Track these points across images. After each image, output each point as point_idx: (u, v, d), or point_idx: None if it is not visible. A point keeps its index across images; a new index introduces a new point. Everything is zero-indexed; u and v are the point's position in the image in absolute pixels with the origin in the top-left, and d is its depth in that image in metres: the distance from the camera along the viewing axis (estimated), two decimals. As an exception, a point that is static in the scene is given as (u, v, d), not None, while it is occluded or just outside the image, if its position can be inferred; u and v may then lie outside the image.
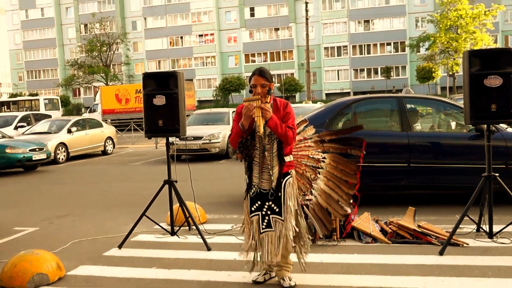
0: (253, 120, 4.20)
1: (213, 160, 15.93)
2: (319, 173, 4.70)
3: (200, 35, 62.18)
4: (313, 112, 7.98)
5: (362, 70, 58.95)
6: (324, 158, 4.79)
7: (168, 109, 5.75)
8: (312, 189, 4.70)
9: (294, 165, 4.39)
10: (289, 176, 4.30)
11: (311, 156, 4.80)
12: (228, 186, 10.37)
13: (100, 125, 19.55)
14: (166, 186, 6.10)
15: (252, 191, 4.32)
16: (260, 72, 4.22)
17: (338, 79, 59.76)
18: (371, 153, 7.15)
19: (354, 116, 7.80)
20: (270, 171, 4.23)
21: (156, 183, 10.47)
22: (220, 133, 16.16)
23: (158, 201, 6.94)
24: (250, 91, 4.25)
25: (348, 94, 57.55)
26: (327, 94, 59.05)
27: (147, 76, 5.94)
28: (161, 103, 5.75)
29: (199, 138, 16.00)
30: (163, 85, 5.86)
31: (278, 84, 55.35)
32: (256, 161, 4.26)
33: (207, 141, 15.99)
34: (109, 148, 19.74)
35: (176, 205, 6.71)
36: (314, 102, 37.34)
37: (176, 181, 6.10)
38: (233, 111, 17.94)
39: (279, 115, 4.21)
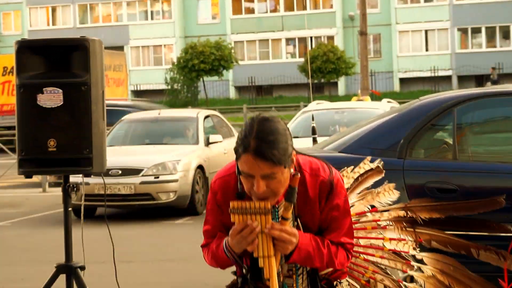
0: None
1: (164, 217, 13.26)
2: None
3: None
4: (374, 122, 6.98)
5: (476, 30, 51.90)
6: (422, 261, 3.94)
7: (70, 117, 5.21)
8: None
9: (346, 270, 3.56)
10: None
11: (392, 251, 3.94)
12: (194, 275, 8.81)
13: None
14: (62, 277, 5.28)
15: None
16: (258, 147, 3.09)
17: (427, 50, 52.45)
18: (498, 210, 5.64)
19: (458, 134, 6.80)
20: None
21: (42, 269, 8.55)
22: (180, 163, 13.25)
23: None
24: (239, 197, 3.21)
25: (447, 81, 52.48)
26: (402, 81, 52.59)
27: (26, 47, 5.36)
28: (55, 104, 5.21)
29: (136, 172, 13.11)
30: (59, 66, 5.30)
31: (301, 60, 49.27)
32: None
33: (152, 179, 13.11)
34: None
35: None
36: (376, 98, 29.40)
37: (83, 267, 5.29)
38: (206, 136, 14.79)
39: (314, 216, 3.28)
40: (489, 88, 8.23)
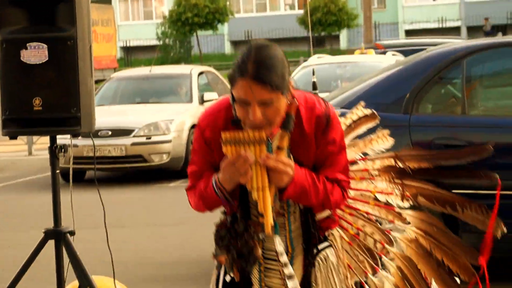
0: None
1: (157, 180, 13.32)
2: (389, 258, 3.92)
3: None
4: (378, 76, 7.07)
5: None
6: (407, 221, 3.98)
7: (56, 74, 5.12)
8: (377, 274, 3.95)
9: (337, 219, 3.64)
10: (326, 245, 3.50)
11: (385, 200, 3.99)
12: (189, 240, 9.00)
13: None
14: (50, 243, 5.22)
15: None
16: (257, 71, 3.13)
17: None
18: (509, 167, 6.36)
19: (468, 87, 6.86)
20: (283, 270, 3.39)
21: (30, 235, 8.89)
22: (173, 122, 13.29)
23: (35, 274, 6.46)
24: (235, 123, 3.24)
25: (455, 32, 52.19)
26: (408, 33, 53.60)
27: (8, 0, 5.24)
28: (40, 60, 5.13)
29: (126, 132, 13.16)
30: (43, 19, 5.19)
31: (300, 12, 49.28)
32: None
33: (144, 139, 13.17)
34: None
35: (72, 284, 5.50)
36: (380, 52, 31.84)
37: (72, 232, 5.23)
38: (200, 94, 14.85)
39: (310, 152, 3.33)
40: (500, 38, 8.37)
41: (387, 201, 4.07)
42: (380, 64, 12.45)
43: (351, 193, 4.07)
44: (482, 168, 4.22)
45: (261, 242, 3.43)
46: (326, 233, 3.51)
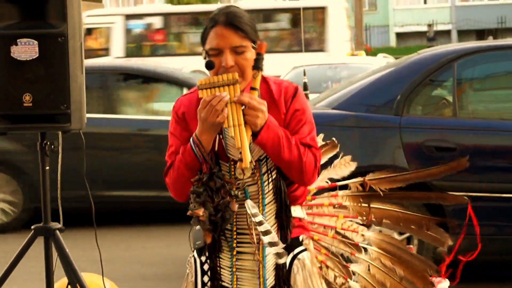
0: (219, 138, 3.43)
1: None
2: (353, 277, 4.03)
3: None
4: (368, 78, 7.07)
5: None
6: (369, 243, 4.10)
7: (46, 70, 5.08)
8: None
9: (309, 230, 3.71)
10: (301, 249, 3.50)
11: (341, 231, 4.06)
12: (178, 239, 8.81)
13: None
14: (39, 240, 5.20)
15: None
16: (228, 18, 3.34)
17: (425, 3, 53.07)
18: (497, 170, 6.61)
19: (458, 90, 6.87)
20: (259, 252, 3.41)
21: (19, 233, 9.10)
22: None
23: (24, 271, 6.25)
24: (208, 65, 3.32)
25: (446, 36, 52.18)
26: (399, 36, 54.36)
27: None
28: (30, 56, 5.10)
29: None
30: (33, 15, 5.16)
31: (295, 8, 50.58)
32: (226, 230, 3.45)
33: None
34: None
35: (61, 281, 5.43)
36: (370, 53, 31.40)
37: (62, 229, 5.20)
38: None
39: (279, 119, 3.41)
40: (491, 41, 8.38)
41: (345, 234, 4.13)
42: (371, 66, 12.56)
43: (316, 221, 4.10)
44: (451, 195, 4.34)
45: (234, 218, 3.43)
46: (300, 237, 3.54)
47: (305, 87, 11.33)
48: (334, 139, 4.32)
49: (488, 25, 49.15)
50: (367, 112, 6.37)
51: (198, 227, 3.44)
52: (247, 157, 3.24)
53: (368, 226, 4.21)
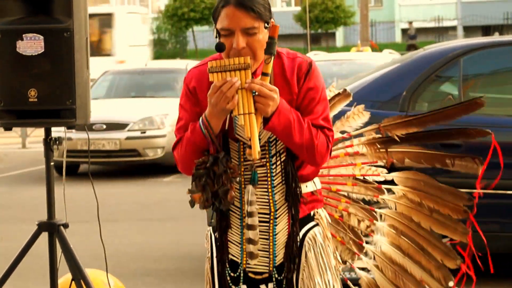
0: (230, 117, 3.37)
1: (151, 174, 13.42)
2: (379, 219, 4.06)
3: None
4: (374, 74, 7.11)
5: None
6: (392, 182, 4.10)
7: (52, 66, 5.06)
8: (363, 255, 4.09)
9: (322, 199, 3.65)
10: (312, 225, 3.50)
11: (362, 177, 4.11)
12: (182, 235, 9.02)
13: None
14: (44, 235, 5.17)
15: (229, 276, 3.49)
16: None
17: None
18: (503, 167, 5.97)
19: (463, 85, 6.90)
20: (270, 231, 3.42)
21: (22, 227, 9.08)
22: (167, 117, 13.28)
23: (28, 267, 6.23)
24: (218, 48, 3.25)
25: (452, 32, 53.00)
26: (404, 32, 53.45)
27: None
28: (36, 52, 5.10)
29: (121, 126, 13.18)
30: (39, 10, 5.13)
31: (297, 9, 48.97)
32: (235, 207, 3.44)
33: (139, 134, 13.21)
34: None
35: (65, 277, 5.49)
36: (376, 49, 30.34)
37: (66, 225, 5.18)
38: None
39: (291, 98, 3.34)
40: (497, 37, 8.32)
41: (365, 178, 4.14)
42: (377, 63, 12.51)
43: (332, 171, 4.14)
44: (473, 129, 4.29)
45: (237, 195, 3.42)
46: (312, 213, 3.53)
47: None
48: (346, 88, 4.30)
49: (494, 21, 49.07)
50: (372, 108, 6.28)
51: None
52: (256, 147, 3.22)
53: (389, 168, 4.18)
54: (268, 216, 3.41)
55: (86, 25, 5.21)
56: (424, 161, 4.14)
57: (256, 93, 3.23)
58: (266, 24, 3.29)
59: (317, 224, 3.53)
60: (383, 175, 4.12)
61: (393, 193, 4.15)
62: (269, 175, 3.42)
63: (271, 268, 3.46)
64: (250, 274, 3.49)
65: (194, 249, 8.14)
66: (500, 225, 6.74)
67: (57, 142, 5.27)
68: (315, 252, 3.53)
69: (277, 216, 3.43)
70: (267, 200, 3.41)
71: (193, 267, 7.57)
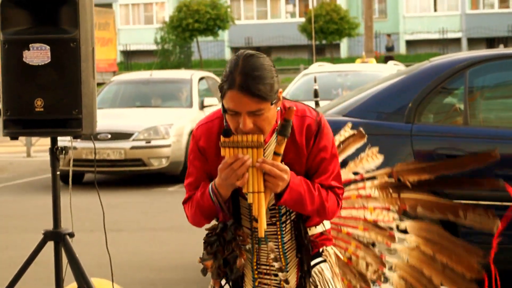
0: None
1: (156, 184, 13.35)
2: (390, 268, 3.98)
3: None
4: (380, 85, 6.97)
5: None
6: (405, 230, 4.02)
7: (58, 76, 5.13)
8: None
9: (332, 237, 3.58)
10: (319, 261, 3.43)
11: (374, 222, 4.04)
12: (186, 245, 8.98)
13: None
14: (49, 244, 5.21)
15: None
16: (244, 82, 3.13)
17: (435, 10, 52.93)
18: (509, 179, 5.60)
19: (469, 97, 6.77)
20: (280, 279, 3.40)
21: (28, 236, 9.05)
22: (172, 127, 13.24)
23: (34, 276, 6.42)
24: (225, 134, 3.18)
25: (456, 43, 52.43)
26: (409, 43, 53.08)
27: (11, 1, 5.23)
28: (42, 62, 5.16)
29: (126, 136, 13.14)
30: (46, 21, 5.21)
31: (301, 20, 49.24)
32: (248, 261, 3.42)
33: (143, 143, 13.14)
34: None
35: (71, 286, 5.54)
36: (381, 61, 31.03)
37: (72, 234, 5.24)
38: (200, 99, 14.65)
39: (301, 162, 3.30)
40: (503, 49, 8.31)
41: (377, 224, 4.08)
42: (382, 74, 12.45)
43: (344, 213, 4.09)
44: (485, 176, 4.26)
45: (255, 254, 3.41)
46: (321, 249, 3.50)
47: (316, 94, 11.28)
48: (361, 129, 4.27)
49: (499, 33, 48.98)
50: (378, 119, 6.28)
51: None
52: (263, 226, 3.18)
53: (401, 215, 4.12)
54: (279, 265, 3.40)
55: (92, 35, 5.24)
56: (436, 210, 4.09)
57: (267, 174, 3.17)
58: (273, 101, 3.19)
59: (324, 260, 3.50)
60: (397, 222, 4.07)
61: (405, 242, 4.10)
62: (279, 232, 3.39)
63: None
64: None
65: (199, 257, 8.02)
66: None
67: (63, 151, 5.27)
68: (320, 286, 3.49)
69: (288, 269, 3.41)
70: (277, 253, 3.39)
71: (197, 277, 7.51)
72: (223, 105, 3.21)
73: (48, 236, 5.25)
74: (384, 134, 6.37)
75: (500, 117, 7.18)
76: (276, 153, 3.23)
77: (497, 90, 7.35)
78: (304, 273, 3.43)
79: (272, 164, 3.17)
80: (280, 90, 3.25)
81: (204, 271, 3.31)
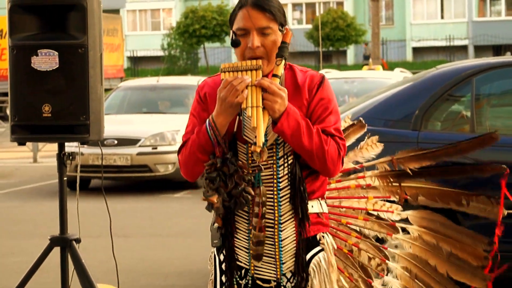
0: (239, 119, 3.38)
1: (162, 190, 13.31)
2: (392, 259, 3.94)
3: None
4: (386, 92, 6.99)
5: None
6: (406, 220, 3.99)
7: (66, 81, 5.14)
8: None
9: (328, 224, 3.56)
10: (319, 250, 3.42)
11: (373, 212, 4.00)
12: (192, 251, 8.94)
13: None
14: (56, 250, 5.21)
15: (237, 285, 3.49)
16: (256, 1, 3.32)
17: (442, 18, 52.81)
18: None
19: (476, 105, 6.78)
20: (275, 237, 3.38)
21: (34, 242, 9.04)
22: (179, 133, 13.12)
23: (40, 282, 6.46)
24: (234, 43, 3.33)
25: (462, 51, 52.44)
26: (416, 50, 52.79)
27: (19, 6, 5.22)
28: (50, 67, 5.16)
29: (132, 142, 13.12)
30: (54, 26, 5.22)
31: (308, 26, 49.28)
32: (242, 212, 3.40)
33: (150, 149, 13.11)
34: None
35: None
36: (387, 68, 30.55)
37: (78, 240, 5.25)
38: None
39: (302, 106, 3.35)
40: (510, 57, 8.22)
41: (378, 214, 4.04)
42: (388, 81, 12.41)
43: (344, 203, 4.06)
44: (488, 165, 4.27)
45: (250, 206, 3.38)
46: (318, 237, 3.48)
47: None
48: (361, 119, 4.29)
49: (505, 41, 48.91)
50: (384, 126, 6.28)
51: (215, 225, 3.42)
52: (261, 137, 3.21)
53: (403, 204, 4.09)
54: (272, 222, 3.38)
55: (100, 41, 5.25)
56: (438, 199, 4.07)
57: (265, 91, 3.25)
58: (280, 27, 3.33)
59: (322, 249, 3.49)
60: (398, 212, 4.04)
61: (408, 232, 4.06)
62: (275, 177, 3.37)
63: (278, 276, 3.42)
64: (258, 282, 3.46)
65: (204, 265, 7.93)
66: None
67: (70, 157, 5.28)
68: (319, 280, 3.49)
69: (281, 221, 3.39)
70: (272, 205, 3.38)
71: (203, 283, 7.49)
72: (233, 32, 3.33)
73: (54, 241, 5.26)
74: (390, 141, 6.35)
75: (506, 124, 7.16)
76: (274, 75, 3.33)
77: (503, 97, 7.33)
78: (301, 245, 3.41)
79: (270, 81, 3.25)
80: (287, 27, 3.38)
81: (209, 207, 3.34)
